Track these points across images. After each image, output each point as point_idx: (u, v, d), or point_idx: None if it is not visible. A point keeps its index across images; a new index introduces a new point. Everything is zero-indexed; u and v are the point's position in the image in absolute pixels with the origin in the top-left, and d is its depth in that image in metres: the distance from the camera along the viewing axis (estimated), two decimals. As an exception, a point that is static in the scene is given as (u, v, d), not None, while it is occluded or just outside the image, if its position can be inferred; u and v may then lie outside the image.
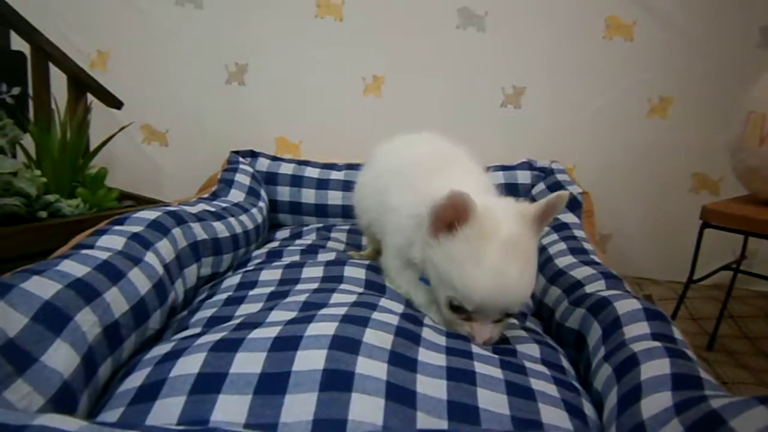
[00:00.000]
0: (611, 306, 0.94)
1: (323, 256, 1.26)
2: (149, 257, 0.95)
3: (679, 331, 0.88)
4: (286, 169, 1.72)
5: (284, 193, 1.70)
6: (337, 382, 0.67)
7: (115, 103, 1.58)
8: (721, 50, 1.66)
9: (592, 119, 1.79)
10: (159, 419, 0.64)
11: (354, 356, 0.72)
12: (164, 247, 1.02)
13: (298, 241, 1.44)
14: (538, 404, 0.73)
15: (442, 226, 0.83)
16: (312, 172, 1.71)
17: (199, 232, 1.17)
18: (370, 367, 0.70)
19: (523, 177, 1.66)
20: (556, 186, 1.56)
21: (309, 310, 0.86)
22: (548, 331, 1.10)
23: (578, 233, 1.38)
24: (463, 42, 1.75)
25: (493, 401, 0.71)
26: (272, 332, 0.77)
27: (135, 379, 0.72)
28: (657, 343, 0.81)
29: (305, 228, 1.59)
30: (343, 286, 1.00)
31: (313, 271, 1.09)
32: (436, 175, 0.98)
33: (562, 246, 1.31)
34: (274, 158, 1.75)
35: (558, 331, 1.07)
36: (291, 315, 0.84)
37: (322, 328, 0.77)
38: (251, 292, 1.02)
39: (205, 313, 0.96)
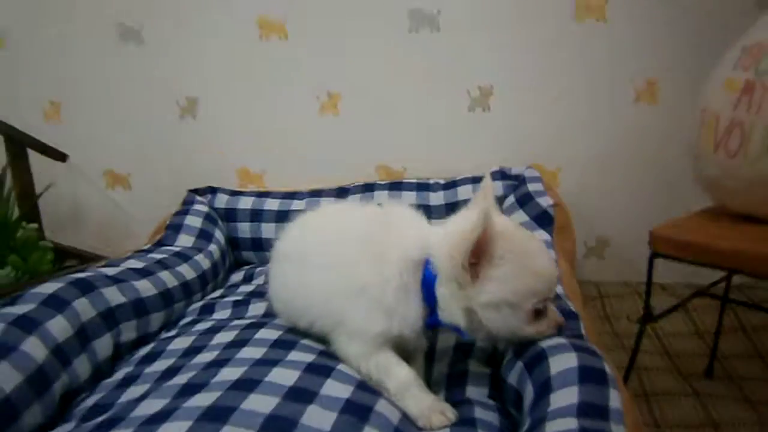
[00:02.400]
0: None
1: (253, 309, 1.18)
2: (28, 344, 0.88)
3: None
4: (246, 203, 1.63)
5: (245, 229, 1.61)
6: None
7: (58, 155, 1.54)
8: (710, 18, 1.44)
9: (573, 113, 1.61)
10: None
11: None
12: (57, 325, 0.96)
13: (241, 288, 1.36)
14: None
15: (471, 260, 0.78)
16: (272, 204, 1.61)
17: (113, 297, 1.09)
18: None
19: (494, 189, 1.49)
20: (525, 198, 1.40)
21: (181, 397, 0.77)
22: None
23: (547, 253, 1.22)
24: (419, 45, 1.61)
25: None
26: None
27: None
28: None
29: (258, 269, 1.50)
30: (239, 355, 0.89)
31: (224, 337, 1.00)
32: (395, 232, 0.88)
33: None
34: (234, 192, 1.67)
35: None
36: (157, 407, 0.75)
37: (170, 432, 0.67)
38: (147, 370, 0.95)
39: (89, 402, 0.89)
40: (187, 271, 1.32)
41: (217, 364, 0.87)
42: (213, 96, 1.74)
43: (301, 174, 1.71)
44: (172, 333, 1.10)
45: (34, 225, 1.42)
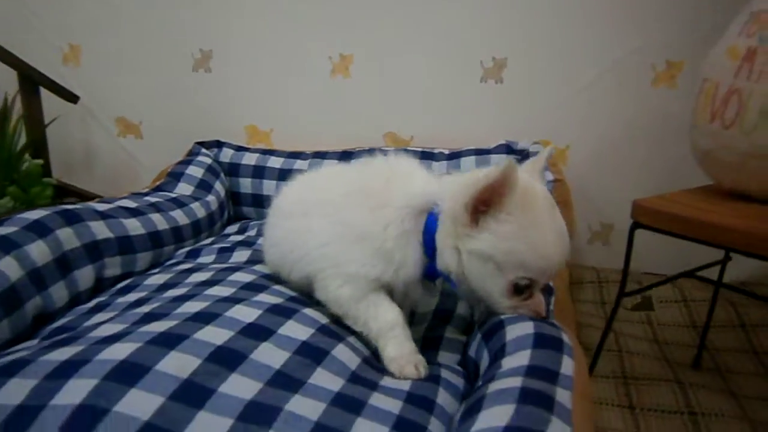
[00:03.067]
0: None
1: (237, 256, 1.19)
2: (3, 263, 0.90)
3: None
4: (250, 159, 1.63)
5: (246, 185, 1.62)
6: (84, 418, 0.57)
7: (69, 96, 1.56)
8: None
9: (587, 91, 1.55)
10: None
11: (126, 388, 0.61)
12: (37, 249, 0.97)
13: (231, 238, 1.36)
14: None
15: (480, 207, 0.75)
16: (275, 162, 1.61)
17: (100, 230, 1.11)
18: (139, 401, 0.59)
19: (498, 161, 1.46)
20: (526, 172, 1.36)
21: (139, 324, 0.77)
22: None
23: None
24: (434, 11, 1.56)
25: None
26: (65, 355, 0.68)
27: None
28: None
29: (252, 223, 1.50)
30: (208, 292, 0.89)
31: (199, 276, 1.00)
32: (398, 182, 0.86)
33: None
34: (239, 148, 1.67)
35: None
36: (114, 330, 0.76)
37: (116, 351, 0.67)
38: (119, 300, 0.96)
39: (57, 324, 0.91)
40: (180, 217, 1.32)
41: (184, 298, 0.87)
42: (227, 51, 1.74)
43: (308, 135, 1.70)
44: (154, 271, 1.11)
45: (39, 160, 1.45)
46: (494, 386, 0.65)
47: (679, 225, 0.85)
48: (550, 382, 0.65)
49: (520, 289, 0.77)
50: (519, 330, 0.76)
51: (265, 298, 0.88)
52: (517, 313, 0.79)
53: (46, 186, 1.39)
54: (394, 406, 0.72)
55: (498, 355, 0.74)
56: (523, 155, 1.45)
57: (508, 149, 1.48)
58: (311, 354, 0.76)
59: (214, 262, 1.16)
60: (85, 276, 1.05)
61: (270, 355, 0.73)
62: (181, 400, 0.62)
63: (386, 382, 0.78)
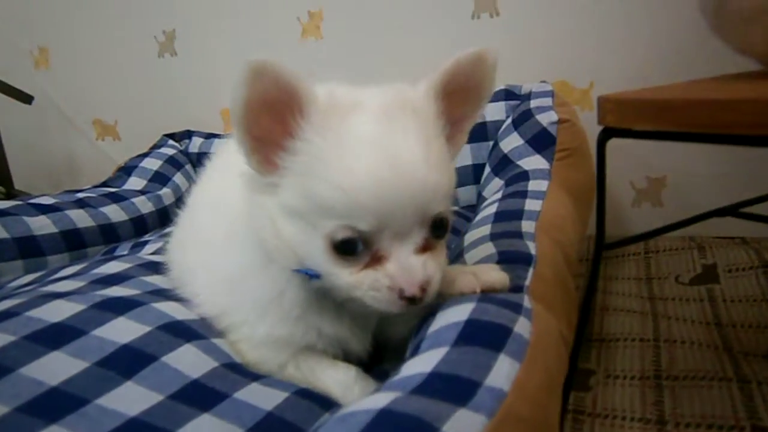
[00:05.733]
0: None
1: (150, 247, 0.99)
2: None
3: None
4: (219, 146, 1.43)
5: (215, 174, 1.41)
6: None
7: (24, 97, 1.44)
8: None
9: (611, 13, 1.22)
10: None
11: None
12: None
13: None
14: None
15: (268, 141, 0.49)
16: (246, 146, 1.40)
17: (-11, 230, 0.93)
18: None
19: (495, 112, 1.16)
20: (523, 116, 1.06)
21: None
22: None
23: (535, 186, 0.88)
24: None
25: None
26: None
27: None
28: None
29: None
30: (46, 288, 0.69)
31: (66, 272, 0.80)
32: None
33: (491, 210, 0.82)
34: (209, 135, 1.48)
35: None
36: None
37: None
38: None
39: None
40: (113, 213, 1.15)
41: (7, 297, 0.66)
42: (189, 29, 1.57)
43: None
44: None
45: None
46: (350, 408, 0.38)
47: (670, 117, 0.52)
48: (451, 400, 0.38)
49: (348, 249, 0.48)
50: (450, 316, 0.48)
51: (112, 291, 0.66)
52: (368, 292, 0.48)
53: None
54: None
55: (411, 355, 0.47)
56: (522, 99, 1.14)
57: (506, 95, 1.18)
58: (124, 362, 0.53)
59: (118, 257, 0.95)
60: (-36, 282, 0.87)
61: (51, 368, 0.51)
62: None
63: (244, 395, 0.54)
